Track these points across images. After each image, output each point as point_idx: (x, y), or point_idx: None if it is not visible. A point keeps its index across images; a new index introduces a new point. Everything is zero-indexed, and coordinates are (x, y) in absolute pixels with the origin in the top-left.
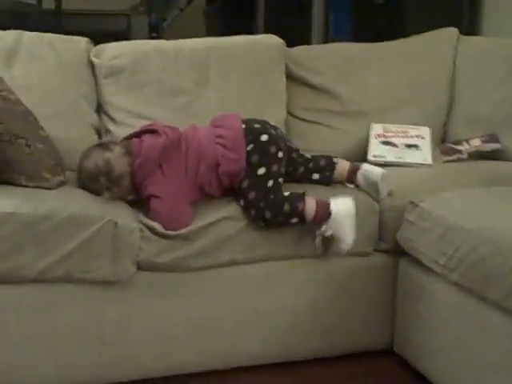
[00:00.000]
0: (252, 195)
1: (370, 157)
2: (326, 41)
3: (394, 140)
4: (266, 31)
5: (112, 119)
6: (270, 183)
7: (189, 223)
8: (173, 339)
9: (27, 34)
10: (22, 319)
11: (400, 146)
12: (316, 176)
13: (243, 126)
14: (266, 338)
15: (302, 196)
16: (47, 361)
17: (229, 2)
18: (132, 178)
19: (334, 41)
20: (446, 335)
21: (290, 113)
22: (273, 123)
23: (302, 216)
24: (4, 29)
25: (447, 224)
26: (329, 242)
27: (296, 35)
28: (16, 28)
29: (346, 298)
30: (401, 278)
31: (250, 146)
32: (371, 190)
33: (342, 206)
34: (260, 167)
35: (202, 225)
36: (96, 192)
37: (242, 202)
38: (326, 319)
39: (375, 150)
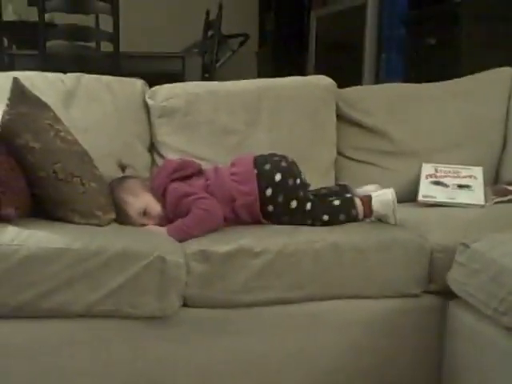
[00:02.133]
0: (296, 221)
1: (420, 197)
2: (377, 81)
3: (444, 180)
4: (317, 72)
5: (164, 158)
6: (308, 206)
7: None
8: (217, 377)
9: (86, 76)
10: (71, 353)
11: (451, 186)
12: (343, 217)
13: (255, 171)
14: (308, 378)
15: (353, 201)
16: None
17: (280, 44)
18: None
19: (385, 81)
20: (495, 381)
21: (340, 153)
22: (280, 153)
23: (356, 218)
24: (65, 71)
25: (499, 266)
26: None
27: (347, 75)
28: (76, 70)
29: (391, 341)
30: (450, 321)
31: (269, 191)
32: (387, 212)
33: (383, 202)
34: (290, 202)
35: (249, 255)
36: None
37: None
38: (369, 361)
39: (425, 190)
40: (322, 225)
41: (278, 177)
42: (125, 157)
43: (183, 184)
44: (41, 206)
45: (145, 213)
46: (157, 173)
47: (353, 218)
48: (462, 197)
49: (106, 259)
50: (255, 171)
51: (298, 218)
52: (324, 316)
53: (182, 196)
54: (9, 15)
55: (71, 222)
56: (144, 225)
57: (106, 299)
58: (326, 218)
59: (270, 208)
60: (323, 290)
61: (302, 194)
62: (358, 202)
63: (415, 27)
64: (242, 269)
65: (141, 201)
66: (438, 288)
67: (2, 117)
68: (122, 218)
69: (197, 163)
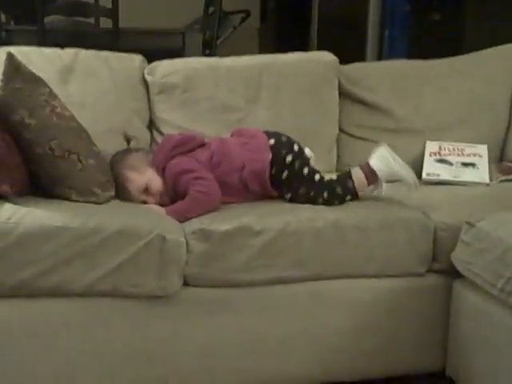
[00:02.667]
0: (302, 190)
1: (424, 175)
2: (380, 58)
3: (449, 158)
4: (320, 48)
5: (163, 135)
6: (317, 177)
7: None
8: (218, 357)
9: (84, 51)
10: (69, 333)
11: (455, 165)
12: (339, 189)
13: (272, 141)
14: (312, 358)
15: (350, 173)
16: (93, 374)
17: (282, 20)
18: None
19: (388, 58)
20: (501, 359)
21: (342, 130)
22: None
23: (354, 192)
24: (64, 47)
25: (505, 245)
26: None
27: (350, 52)
28: (75, 46)
29: (395, 320)
30: (455, 300)
31: (290, 157)
32: (392, 168)
33: (379, 158)
34: (303, 169)
35: (249, 234)
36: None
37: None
38: (373, 341)
39: (429, 168)
40: (322, 203)
41: (295, 147)
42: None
43: (185, 158)
44: (38, 183)
45: (146, 189)
46: (158, 149)
47: (350, 190)
48: (467, 175)
49: (104, 238)
50: (272, 141)
51: (306, 187)
52: (326, 295)
53: (179, 172)
54: None
55: (69, 199)
56: (144, 202)
57: (105, 278)
58: (325, 195)
59: (285, 174)
60: (325, 269)
61: (312, 164)
62: (356, 171)
63: (419, 3)
64: (242, 247)
65: (142, 177)
66: (442, 267)
67: None
68: (122, 194)
69: (200, 136)
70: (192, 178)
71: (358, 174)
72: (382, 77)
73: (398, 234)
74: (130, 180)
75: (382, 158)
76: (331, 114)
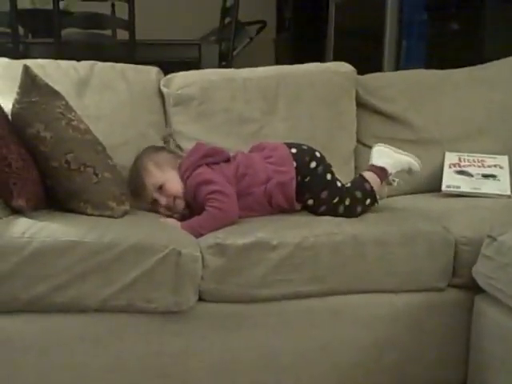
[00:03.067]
0: (324, 194)
1: (443, 187)
2: (397, 68)
3: (469, 169)
4: (336, 58)
5: (180, 147)
6: (339, 183)
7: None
8: (233, 373)
9: (100, 64)
10: (84, 348)
11: (475, 176)
12: (359, 194)
13: (294, 150)
14: (330, 374)
15: (363, 178)
16: None
17: (299, 30)
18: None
19: (406, 68)
20: None
21: (360, 141)
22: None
23: (373, 194)
24: (80, 60)
25: None
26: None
27: (367, 63)
28: (92, 58)
29: (414, 336)
30: (476, 316)
31: (314, 163)
32: (396, 158)
33: (379, 153)
34: (326, 174)
35: (266, 248)
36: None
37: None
38: (392, 358)
39: (449, 179)
40: (343, 210)
41: (317, 153)
42: (139, 147)
43: (209, 170)
44: (53, 196)
45: (161, 188)
46: (187, 155)
47: (369, 192)
48: (488, 187)
49: (119, 252)
50: (294, 150)
51: (328, 192)
52: (345, 311)
53: (201, 183)
54: (24, 3)
55: (84, 213)
56: (155, 201)
57: (120, 293)
58: (347, 201)
59: (308, 179)
60: (344, 283)
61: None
62: (366, 173)
63: (438, 12)
64: (259, 262)
65: (163, 175)
66: (463, 282)
67: (13, 106)
68: (134, 186)
69: (226, 152)
70: (211, 191)
71: (369, 175)
72: (400, 87)
73: (418, 247)
74: (149, 173)
75: (381, 153)
76: (349, 126)
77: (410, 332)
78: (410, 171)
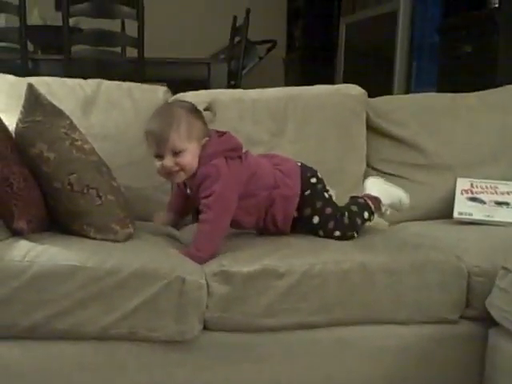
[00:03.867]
0: (329, 210)
1: (455, 214)
2: (408, 91)
3: (481, 196)
4: (346, 80)
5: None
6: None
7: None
8: None
9: (107, 82)
10: (83, 377)
11: (488, 203)
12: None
13: (299, 163)
14: None
15: (356, 196)
16: None
17: (308, 50)
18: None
19: (416, 91)
20: None
21: (369, 165)
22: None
23: (368, 206)
24: (90, 77)
25: None
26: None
27: (377, 84)
28: (101, 76)
29: (424, 370)
30: (490, 350)
31: (314, 179)
32: (386, 191)
33: (373, 184)
34: (325, 192)
35: (272, 276)
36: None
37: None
38: None
39: (461, 206)
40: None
41: (319, 174)
42: (145, 167)
43: (225, 164)
44: (56, 218)
45: (177, 154)
46: (216, 142)
47: (364, 205)
48: (501, 214)
49: (121, 279)
50: (299, 163)
51: (331, 208)
52: (352, 342)
53: (214, 175)
54: (34, 19)
55: (87, 236)
56: (160, 157)
57: (122, 321)
58: (346, 216)
59: (308, 192)
60: (351, 313)
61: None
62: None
63: (450, 34)
64: (265, 291)
65: (186, 143)
66: (476, 314)
67: (17, 125)
68: (156, 131)
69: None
70: (212, 193)
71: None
72: (412, 110)
73: (429, 277)
74: (178, 132)
75: (374, 184)
76: (359, 149)
77: (420, 365)
78: (400, 203)
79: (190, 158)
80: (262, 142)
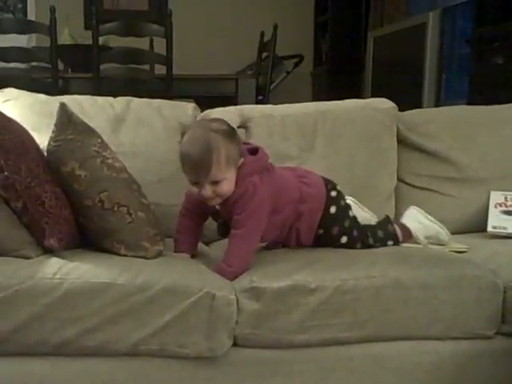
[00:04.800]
0: (356, 232)
1: (489, 228)
2: (437, 103)
3: None
4: (374, 93)
5: None
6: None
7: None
8: None
9: (136, 100)
10: None
11: None
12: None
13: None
14: None
15: (389, 219)
16: None
17: (336, 64)
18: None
19: (446, 104)
20: None
21: (400, 179)
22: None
23: (395, 237)
24: (119, 94)
25: None
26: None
27: (406, 98)
28: (130, 93)
29: None
30: None
31: (334, 193)
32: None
33: (410, 216)
34: (346, 204)
35: (303, 292)
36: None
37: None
38: None
39: (495, 220)
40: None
41: (338, 187)
42: (175, 184)
43: (260, 181)
44: (86, 235)
45: (216, 183)
46: (249, 159)
47: (391, 234)
48: None
49: (152, 295)
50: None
51: (357, 228)
52: (385, 358)
53: (251, 192)
54: (65, 39)
55: (117, 253)
56: (199, 186)
57: (152, 337)
58: (370, 239)
59: (333, 209)
60: (384, 329)
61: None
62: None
63: (481, 46)
64: (296, 306)
65: (225, 172)
66: None
67: (48, 143)
68: (196, 163)
69: None
70: (247, 210)
71: (396, 228)
72: (443, 124)
73: (464, 292)
74: (219, 164)
75: (413, 215)
76: (390, 163)
77: (455, 382)
78: (437, 239)
79: (229, 185)
80: (291, 157)
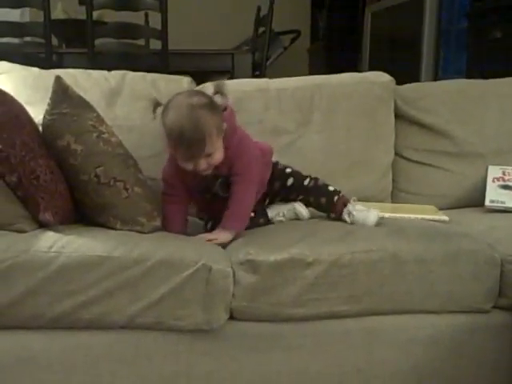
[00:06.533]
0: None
1: (487, 202)
2: (436, 79)
3: None
4: (372, 69)
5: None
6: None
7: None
8: None
9: (131, 74)
10: (110, 366)
11: None
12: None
13: None
14: None
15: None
16: None
17: (333, 41)
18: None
19: (444, 78)
20: None
21: (398, 153)
22: None
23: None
24: (114, 69)
25: None
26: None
27: (404, 73)
28: (125, 68)
29: (457, 361)
30: None
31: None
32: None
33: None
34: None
35: (300, 265)
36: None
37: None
38: (435, 382)
39: (493, 194)
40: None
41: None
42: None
43: (244, 133)
44: (82, 210)
45: (209, 156)
46: (225, 114)
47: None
48: None
49: (148, 268)
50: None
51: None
52: (382, 332)
53: (242, 149)
54: (58, 14)
55: (113, 228)
56: (196, 162)
57: (148, 310)
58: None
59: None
60: (382, 303)
61: None
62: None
63: (478, 20)
64: (293, 280)
65: (216, 144)
66: (509, 303)
67: (44, 117)
68: (189, 146)
69: None
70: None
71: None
72: (441, 98)
73: (461, 267)
74: (211, 141)
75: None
76: (387, 138)
77: (452, 356)
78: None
79: (220, 153)
80: (287, 132)
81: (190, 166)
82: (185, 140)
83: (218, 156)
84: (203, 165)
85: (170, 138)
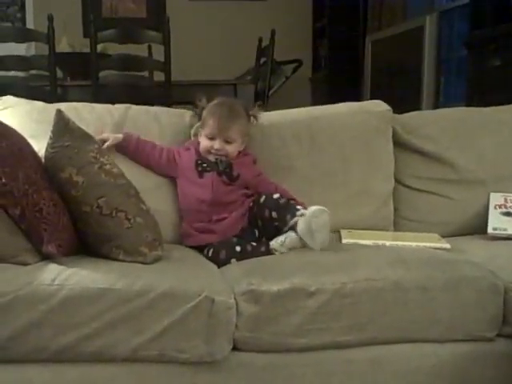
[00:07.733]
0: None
1: (490, 230)
2: (436, 106)
3: None
4: (373, 96)
5: None
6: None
7: None
8: None
9: (134, 107)
10: None
11: None
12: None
13: None
14: None
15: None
16: None
17: (335, 69)
18: None
19: (445, 106)
20: None
21: (399, 182)
22: None
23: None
24: (118, 101)
25: None
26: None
27: (405, 101)
28: (129, 100)
29: None
30: None
31: None
32: (308, 237)
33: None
34: None
35: (303, 295)
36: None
37: None
38: None
39: (495, 222)
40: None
41: None
42: (172, 190)
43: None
44: (85, 241)
45: (227, 141)
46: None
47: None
48: None
49: (150, 300)
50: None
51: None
52: (385, 361)
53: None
54: (63, 47)
55: (116, 259)
56: (212, 138)
57: (151, 343)
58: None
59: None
60: (384, 332)
61: None
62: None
63: (478, 48)
64: (295, 310)
65: (239, 138)
66: None
67: (46, 150)
68: (227, 119)
69: None
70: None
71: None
72: (441, 125)
73: (464, 294)
74: (240, 129)
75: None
76: (386, 167)
77: None
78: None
79: (235, 149)
80: (285, 166)
81: (208, 143)
82: (224, 108)
83: (233, 149)
84: (219, 145)
85: (209, 110)
